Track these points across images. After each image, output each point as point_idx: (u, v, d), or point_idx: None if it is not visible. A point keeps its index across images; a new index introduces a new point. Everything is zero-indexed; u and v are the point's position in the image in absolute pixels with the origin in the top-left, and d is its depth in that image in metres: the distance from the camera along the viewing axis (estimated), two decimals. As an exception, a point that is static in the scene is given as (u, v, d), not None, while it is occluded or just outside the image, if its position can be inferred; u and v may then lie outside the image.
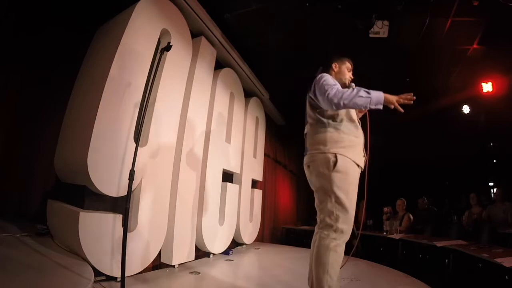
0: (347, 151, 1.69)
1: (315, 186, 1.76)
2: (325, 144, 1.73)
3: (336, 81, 1.76)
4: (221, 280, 2.37)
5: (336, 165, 1.66)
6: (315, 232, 1.73)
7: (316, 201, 1.78)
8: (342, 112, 1.76)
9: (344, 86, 1.90)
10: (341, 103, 1.63)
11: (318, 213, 1.74)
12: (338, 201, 1.64)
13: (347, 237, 1.66)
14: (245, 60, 3.85)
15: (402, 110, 1.63)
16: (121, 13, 2.36)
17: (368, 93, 1.61)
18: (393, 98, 1.63)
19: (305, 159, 1.83)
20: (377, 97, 1.61)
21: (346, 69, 1.97)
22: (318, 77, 1.81)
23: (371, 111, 1.79)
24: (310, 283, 1.64)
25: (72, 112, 2.35)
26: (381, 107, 1.63)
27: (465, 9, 3.05)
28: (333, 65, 1.99)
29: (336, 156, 1.67)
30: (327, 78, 1.76)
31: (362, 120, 1.94)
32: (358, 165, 1.73)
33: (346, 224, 1.64)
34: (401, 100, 1.62)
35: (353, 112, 1.81)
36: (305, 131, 1.90)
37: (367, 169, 1.85)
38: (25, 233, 2.06)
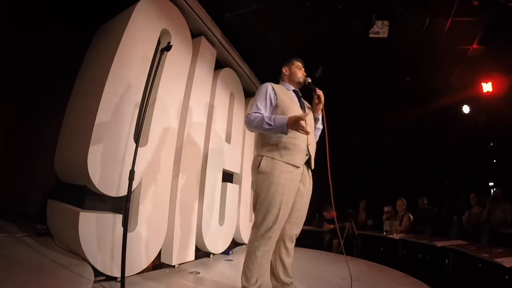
0: (276, 153, 1.76)
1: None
2: (258, 147, 1.87)
3: (262, 100, 1.85)
4: (221, 280, 2.37)
5: (259, 167, 1.76)
6: None
7: None
8: (279, 113, 1.83)
9: (299, 85, 2.04)
10: (252, 130, 1.84)
11: None
12: (259, 201, 1.74)
13: (270, 236, 1.69)
14: (245, 60, 3.85)
15: (302, 132, 1.69)
16: (121, 13, 2.36)
17: (271, 124, 1.72)
18: (295, 123, 1.66)
19: None
20: (280, 128, 1.71)
21: (297, 68, 2.04)
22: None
23: (327, 111, 1.97)
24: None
25: (72, 112, 2.35)
26: (285, 133, 1.73)
27: (465, 9, 3.05)
28: (283, 70, 2.08)
29: (262, 158, 1.77)
30: (258, 96, 1.87)
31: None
32: (294, 166, 1.77)
33: (264, 222, 1.69)
34: (300, 126, 1.66)
35: (292, 113, 1.81)
36: None
37: (330, 170, 1.92)
38: (25, 233, 2.06)
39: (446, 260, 3.14)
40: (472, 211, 4.26)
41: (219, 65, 3.52)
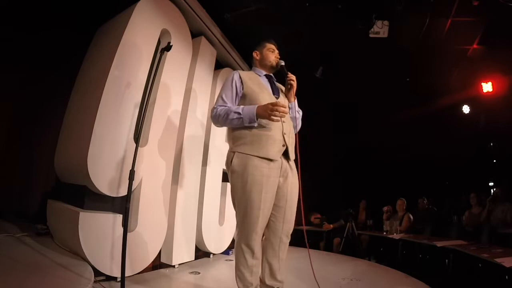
0: (247, 147, 1.63)
1: None
2: (229, 142, 1.75)
3: (228, 91, 1.73)
4: (221, 280, 2.37)
5: (231, 164, 1.65)
6: None
7: None
8: (246, 103, 1.70)
9: (273, 69, 1.88)
10: (220, 125, 1.73)
11: None
12: (236, 202, 1.64)
13: (254, 238, 1.61)
14: (245, 60, 3.85)
15: (278, 120, 1.59)
16: (121, 13, 2.36)
17: (239, 113, 1.62)
18: (265, 112, 1.57)
19: None
20: (249, 116, 1.60)
21: (269, 51, 1.89)
22: None
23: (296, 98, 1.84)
24: None
25: (72, 112, 2.35)
26: (255, 124, 1.62)
27: (465, 9, 3.05)
28: (254, 54, 1.93)
29: (234, 155, 1.65)
30: (223, 87, 1.76)
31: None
32: (269, 159, 1.62)
33: (245, 223, 1.61)
34: (272, 113, 1.55)
35: (262, 101, 1.67)
36: None
37: (300, 166, 1.76)
38: (25, 233, 2.06)
39: (446, 260, 3.13)
40: (472, 211, 4.25)
41: (219, 65, 3.52)
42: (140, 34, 2.27)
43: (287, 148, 1.70)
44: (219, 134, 3.37)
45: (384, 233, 4.42)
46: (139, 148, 1.82)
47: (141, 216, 2.20)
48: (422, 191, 5.28)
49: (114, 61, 2.06)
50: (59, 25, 2.42)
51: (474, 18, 3.21)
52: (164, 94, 2.47)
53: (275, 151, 1.65)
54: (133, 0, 2.28)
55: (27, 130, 2.44)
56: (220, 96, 1.74)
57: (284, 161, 1.70)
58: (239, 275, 1.64)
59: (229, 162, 1.68)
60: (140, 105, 2.24)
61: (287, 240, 1.72)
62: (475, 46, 3.69)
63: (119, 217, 2.01)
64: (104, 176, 1.95)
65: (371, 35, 3.18)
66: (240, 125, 1.64)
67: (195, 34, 3.04)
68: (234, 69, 3.78)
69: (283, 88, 1.90)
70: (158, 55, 1.99)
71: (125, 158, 2.08)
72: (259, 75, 1.87)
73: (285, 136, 1.69)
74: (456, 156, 5.85)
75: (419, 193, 5.17)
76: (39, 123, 2.49)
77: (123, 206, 1.80)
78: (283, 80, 1.88)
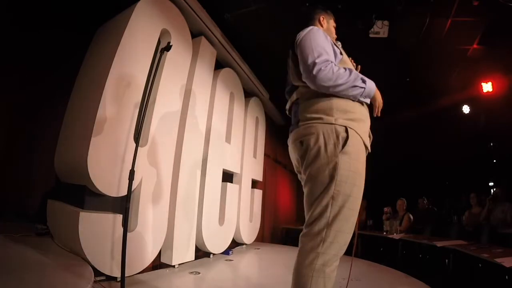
0: (359, 126, 1.22)
1: (309, 170, 1.21)
2: (330, 112, 1.21)
3: (329, 46, 1.29)
4: (221, 280, 2.37)
5: (346, 144, 1.16)
6: (299, 241, 1.20)
7: (306, 194, 1.24)
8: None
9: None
10: (331, 90, 1.20)
11: (305, 212, 1.22)
12: (339, 196, 1.14)
13: (341, 251, 1.16)
14: (245, 60, 3.85)
15: (378, 114, 1.35)
16: (121, 13, 2.36)
17: (365, 82, 1.25)
18: (378, 97, 1.32)
19: (294, 134, 1.30)
20: (370, 90, 1.27)
21: (332, 27, 1.59)
22: (304, 32, 1.34)
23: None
24: None
25: (72, 112, 2.36)
26: (368, 101, 1.29)
27: (465, 9, 3.05)
28: (321, 18, 1.55)
29: (347, 131, 1.18)
30: (318, 39, 1.28)
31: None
32: (367, 148, 1.29)
33: (344, 233, 1.14)
34: (379, 106, 1.33)
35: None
36: (292, 100, 1.40)
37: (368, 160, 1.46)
38: (25, 233, 2.06)
39: (446, 260, 3.14)
40: (472, 211, 4.25)
41: (219, 65, 3.52)
42: (140, 34, 2.27)
43: (371, 139, 1.39)
44: (219, 134, 3.37)
45: (384, 233, 4.42)
46: (139, 148, 1.82)
47: (141, 216, 2.20)
48: (422, 191, 5.29)
49: (114, 61, 2.06)
50: (59, 25, 2.41)
51: (474, 18, 3.21)
52: (164, 94, 2.47)
53: (369, 140, 1.33)
54: (133, 0, 2.28)
55: (27, 130, 2.44)
56: (322, 48, 1.25)
57: None
58: None
59: (336, 138, 1.17)
60: (140, 105, 2.24)
61: None
62: (475, 46, 3.69)
63: (119, 217, 2.01)
64: (104, 176, 1.95)
65: (371, 35, 3.18)
66: (350, 97, 1.23)
67: (195, 34, 3.03)
68: (234, 69, 3.78)
69: None
70: (158, 55, 1.99)
71: (125, 158, 2.08)
72: None
73: (370, 128, 1.39)
74: (456, 156, 5.86)
75: (419, 193, 5.18)
76: (39, 123, 2.48)
77: (123, 206, 1.80)
78: None
